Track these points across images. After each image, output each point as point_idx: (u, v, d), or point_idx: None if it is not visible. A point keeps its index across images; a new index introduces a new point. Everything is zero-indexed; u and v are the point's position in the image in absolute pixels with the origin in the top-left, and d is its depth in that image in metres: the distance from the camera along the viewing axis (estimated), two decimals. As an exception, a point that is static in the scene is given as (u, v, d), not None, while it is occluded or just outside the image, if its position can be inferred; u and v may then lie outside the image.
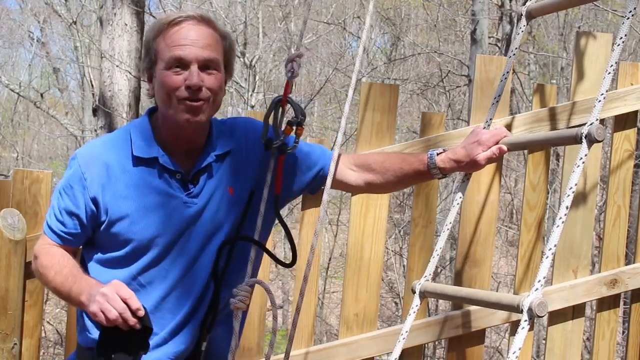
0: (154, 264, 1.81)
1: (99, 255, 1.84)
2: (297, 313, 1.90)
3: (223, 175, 1.85)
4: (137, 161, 1.79)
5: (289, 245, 1.90)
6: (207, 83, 1.74)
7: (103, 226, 1.80)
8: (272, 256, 1.99)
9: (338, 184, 2.02)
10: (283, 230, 2.00)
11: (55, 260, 1.82)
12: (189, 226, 1.81)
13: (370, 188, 2.04)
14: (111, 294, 1.63)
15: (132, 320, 1.63)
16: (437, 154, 1.97)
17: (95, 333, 1.82)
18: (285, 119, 1.87)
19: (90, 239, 1.86)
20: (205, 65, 1.74)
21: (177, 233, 1.80)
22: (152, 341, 1.79)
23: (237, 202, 1.86)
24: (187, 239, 1.81)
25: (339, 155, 1.96)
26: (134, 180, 1.79)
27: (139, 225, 1.78)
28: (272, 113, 1.85)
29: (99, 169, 1.79)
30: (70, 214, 1.81)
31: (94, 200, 1.79)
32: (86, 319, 1.86)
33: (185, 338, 1.84)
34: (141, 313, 1.65)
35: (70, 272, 1.79)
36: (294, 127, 1.83)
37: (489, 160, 2.01)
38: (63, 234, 1.84)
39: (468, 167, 2.01)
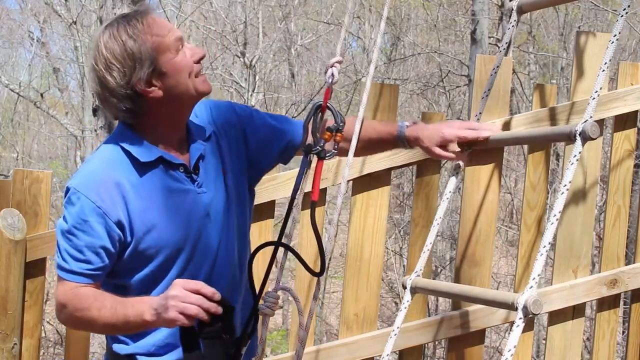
0: (186, 266, 1.79)
1: (122, 282, 1.79)
2: (309, 318, 1.89)
3: (213, 159, 1.87)
4: (142, 169, 1.75)
5: (319, 253, 1.86)
6: None
7: (130, 248, 1.74)
8: (303, 263, 1.91)
9: None
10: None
11: (92, 299, 1.72)
12: (208, 216, 1.81)
13: (339, 153, 2.01)
14: (181, 292, 1.60)
15: (213, 307, 1.59)
16: (407, 126, 2.04)
17: (139, 339, 1.81)
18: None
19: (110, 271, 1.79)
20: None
21: (200, 226, 1.80)
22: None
23: (234, 182, 1.88)
24: (208, 230, 1.81)
25: (325, 120, 1.91)
26: (146, 190, 1.75)
27: (168, 231, 1.75)
28: (312, 119, 1.84)
29: (110, 192, 1.72)
30: (93, 248, 1.72)
31: (119, 224, 1.72)
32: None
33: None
34: (217, 297, 1.60)
35: (114, 301, 1.71)
36: (334, 133, 1.83)
37: (443, 157, 2.09)
38: (91, 272, 1.74)
39: (425, 150, 2.07)
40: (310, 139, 1.84)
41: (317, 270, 1.83)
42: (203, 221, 1.80)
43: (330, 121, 1.88)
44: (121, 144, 1.77)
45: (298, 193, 1.80)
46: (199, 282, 1.62)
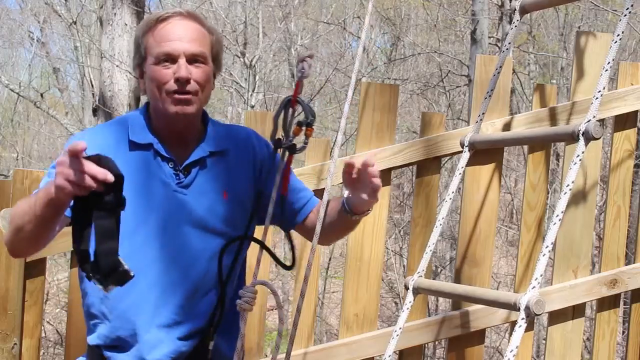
0: (139, 250, 1.78)
1: None
2: (297, 313, 1.90)
3: (217, 175, 1.86)
4: (133, 146, 1.82)
5: (289, 246, 1.90)
6: (195, 76, 1.79)
7: None
8: (274, 257, 1.99)
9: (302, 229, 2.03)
10: (283, 231, 1.99)
11: (22, 202, 1.70)
12: (177, 215, 1.81)
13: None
14: (65, 158, 1.47)
15: (102, 173, 1.44)
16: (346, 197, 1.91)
17: (98, 329, 1.81)
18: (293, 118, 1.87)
19: None
20: (193, 59, 1.79)
21: (165, 220, 1.80)
22: (147, 338, 1.78)
23: (231, 206, 1.86)
24: (176, 229, 1.81)
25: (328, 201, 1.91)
26: (127, 163, 1.77)
27: (128, 208, 1.70)
28: (282, 113, 1.85)
29: (96, 147, 1.72)
30: None
31: None
32: (91, 313, 1.84)
33: (182, 334, 1.83)
34: (99, 163, 1.46)
35: (33, 196, 1.66)
36: (304, 128, 1.84)
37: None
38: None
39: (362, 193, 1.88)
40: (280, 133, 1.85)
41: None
42: (172, 217, 1.80)
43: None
44: (128, 120, 1.87)
45: (274, 189, 1.82)
46: (81, 143, 1.46)
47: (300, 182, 2.07)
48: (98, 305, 1.82)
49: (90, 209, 1.50)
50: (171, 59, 1.77)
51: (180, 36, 1.79)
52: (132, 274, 1.53)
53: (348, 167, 1.78)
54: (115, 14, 5.48)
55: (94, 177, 1.44)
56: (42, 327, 3.49)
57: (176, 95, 1.77)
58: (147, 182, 1.80)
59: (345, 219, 1.89)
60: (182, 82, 1.76)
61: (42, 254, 2.71)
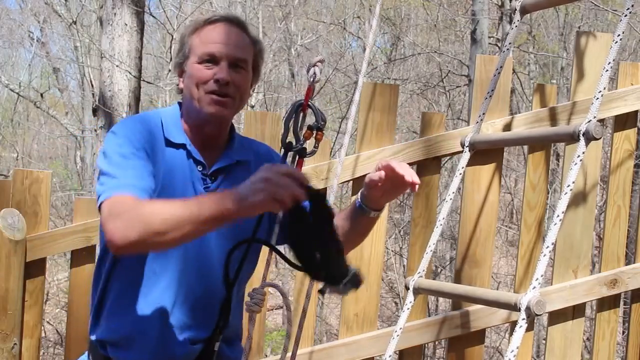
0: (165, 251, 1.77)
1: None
2: (303, 314, 1.90)
3: (240, 183, 1.85)
4: (168, 143, 1.83)
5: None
6: (235, 80, 1.80)
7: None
8: (285, 258, 1.94)
9: None
10: None
11: (159, 204, 1.60)
12: None
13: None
14: (275, 176, 1.48)
15: (301, 194, 1.47)
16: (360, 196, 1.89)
17: (106, 324, 1.80)
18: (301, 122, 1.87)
19: None
20: (235, 64, 1.80)
21: None
22: (156, 337, 1.78)
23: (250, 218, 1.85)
24: None
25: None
26: (167, 160, 1.80)
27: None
28: (293, 117, 1.86)
29: (146, 132, 1.78)
30: (149, 171, 1.72)
31: (149, 156, 1.75)
32: (102, 307, 1.83)
33: (192, 337, 1.83)
34: (307, 182, 1.50)
35: (183, 201, 1.59)
36: (314, 132, 1.84)
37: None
38: (150, 191, 1.68)
39: (383, 183, 1.84)
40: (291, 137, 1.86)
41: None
42: None
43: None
44: (162, 116, 1.86)
45: None
46: (289, 166, 1.56)
47: None
48: (113, 301, 1.82)
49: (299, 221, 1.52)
50: (214, 60, 1.79)
51: (225, 40, 1.80)
52: (362, 277, 1.57)
53: (389, 171, 1.74)
54: (115, 14, 5.47)
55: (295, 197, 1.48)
56: (42, 327, 3.50)
57: (214, 96, 1.79)
58: (179, 181, 1.81)
59: (363, 219, 1.87)
60: (221, 83, 1.77)
61: (42, 254, 2.72)
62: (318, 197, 1.52)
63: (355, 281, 1.56)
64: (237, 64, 1.80)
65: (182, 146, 1.83)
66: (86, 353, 1.92)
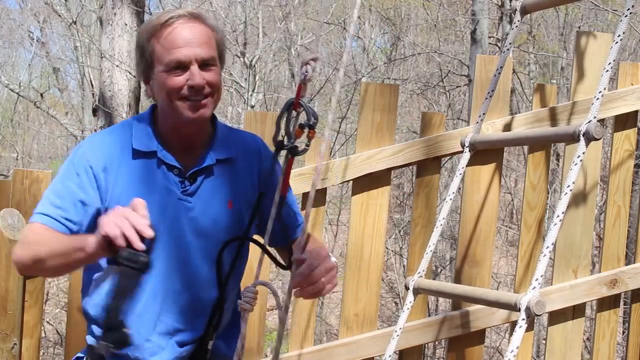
0: None
1: None
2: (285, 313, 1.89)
3: (223, 184, 1.85)
4: (136, 154, 1.80)
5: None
6: (209, 79, 1.77)
7: (101, 213, 1.75)
8: (272, 257, 1.98)
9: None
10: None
11: (52, 235, 1.72)
12: (181, 224, 1.80)
13: None
14: (124, 212, 1.52)
15: (143, 231, 1.49)
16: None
17: (97, 332, 1.81)
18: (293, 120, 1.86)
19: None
20: (204, 63, 1.76)
21: (169, 228, 1.79)
22: (147, 345, 1.79)
23: (235, 216, 1.85)
24: (179, 238, 1.80)
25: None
26: (131, 172, 1.79)
27: None
28: (285, 115, 1.84)
29: (100, 155, 1.79)
30: (73, 199, 1.76)
31: (98, 185, 1.77)
32: (91, 315, 1.84)
33: (183, 340, 1.83)
34: (149, 229, 1.51)
35: (66, 236, 1.71)
36: (306, 130, 1.83)
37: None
38: (63, 220, 1.75)
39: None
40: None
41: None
42: (176, 226, 1.80)
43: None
44: (134, 125, 1.84)
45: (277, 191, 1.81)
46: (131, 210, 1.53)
47: (296, 205, 2.04)
48: (99, 309, 1.81)
49: (119, 264, 1.52)
50: (182, 66, 1.74)
51: (188, 41, 1.75)
52: (131, 342, 1.54)
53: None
54: (115, 14, 5.47)
55: (139, 232, 1.49)
56: (42, 327, 3.49)
57: (192, 101, 1.75)
58: (150, 190, 1.79)
59: None
60: (197, 89, 1.74)
61: (42, 254, 2.72)
62: (150, 247, 1.52)
63: (119, 340, 1.54)
64: (207, 62, 1.76)
65: (153, 154, 1.80)
66: (85, 350, 1.92)
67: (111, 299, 1.52)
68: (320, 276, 1.63)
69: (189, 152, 1.83)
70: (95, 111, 6.11)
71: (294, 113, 1.82)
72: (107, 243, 1.51)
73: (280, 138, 1.83)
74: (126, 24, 5.46)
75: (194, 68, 1.74)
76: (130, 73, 5.44)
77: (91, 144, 1.83)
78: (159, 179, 1.80)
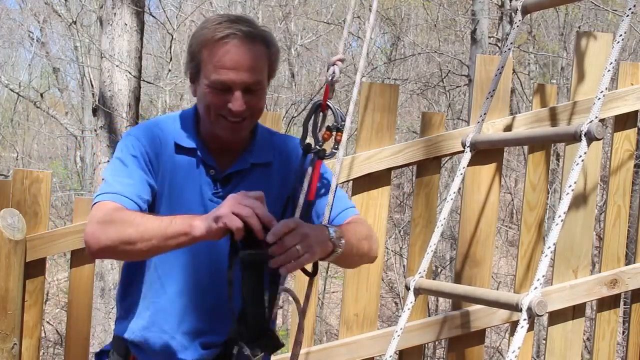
0: (170, 256, 1.75)
1: None
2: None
3: (256, 187, 1.78)
4: (179, 149, 1.80)
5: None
6: (250, 103, 1.74)
7: (157, 198, 1.76)
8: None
9: None
10: None
11: (135, 215, 1.64)
12: None
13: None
14: (245, 200, 1.50)
15: (259, 226, 1.48)
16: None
17: (130, 323, 1.81)
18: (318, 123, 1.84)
19: None
20: (249, 88, 1.73)
21: None
22: (172, 343, 1.79)
23: None
24: None
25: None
26: (171, 166, 1.79)
27: (165, 208, 1.76)
28: (312, 118, 1.82)
29: (152, 144, 1.78)
30: (143, 180, 1.74)
31: (153, 170, 1.77)
32: (127, 305, 1.84)
33: (207, 342, 1.81)
34: (273, 223, 1.50)
35: (158, 218, 1.61)
36: (334, 133, 1.81)
37: None
38: (136, 199, 1.69)
39: None
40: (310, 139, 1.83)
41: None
42: None
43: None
44: (179, 119, 1.84)
45: (301, 193, 1.79)
46: (256, 200, 1.52)
47: (345, 200, 1.90)
48: (136, 300, 1.82)
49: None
50: (227, 87, 1.71)
51: (237, 65, 1.70)
52: (282, 343, 1.55)
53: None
54: (115, 14, 5.47)
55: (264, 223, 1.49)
56: (42, 327, 3.49)
57: (228, 121, 1.73)
58: (186, 187, 1.79)
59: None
60: (235, 114, 1.72)
61: (42, 254, 2.72)
62: (256, 255, 1.52)
63: (268, 346, 1.56)
64: (252, 87, 1.73)
65: (193, 151, 1.80)
66: (110, 343, 1.92)
67: (249, 306, 1.52)
68: (292, 242, 1.53)
69: (226, 154, 1.82)
70: (95, 111, 6.10)
71: (321, 115, 1.80)
72: (225, 232, 1.50)
73: (307, 141, 1.81)
74: (126, 24, 5.46)
75: (237, 94, 1.71)
76: (130, 73, 5.44)
77: (142, 132, 1.80)
78: (196, 177, 1.80)
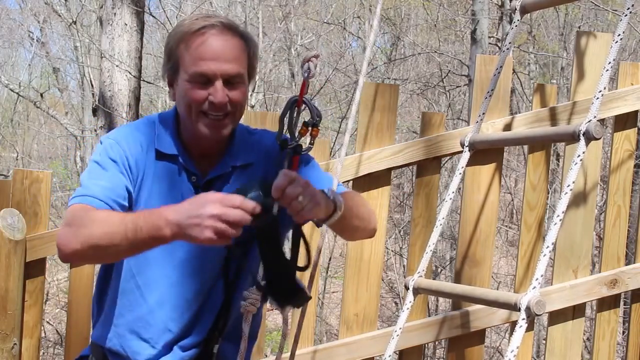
0: (151, 264, 1.75)
1: None
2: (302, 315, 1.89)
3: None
4: (159, 155, 1.76)
5: (305, 247, 1.84)
6: (232, 97, 1.71)
7: (132, 204, 1.72)
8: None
9: None
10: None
11: (104, 213, 1.60)
12: None
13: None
14: (221, 210, 1.44)
15: (251, 206, 1.45)
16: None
17: (104, 331, 1.80)
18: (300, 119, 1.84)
19: None
20: (230, 80, 1.70)
21: None
22: (154, 351, 1.78)
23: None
24: (188, 245, 1.74)
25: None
26: (152, 170, 1.75)
27: None
28: (288, 113, 1.82)
29: (132, 149, 1.74)
30: (120, 183, 1.69)
31: (131, 177, 1.73)
32: (102, 313, 1.82)
33: (187, 345, 1.81)
34: (257, 210, 1.47)
35: (123, 214, 1.59)
36: (310, 128, 1.80)
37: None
38: (112, 203, 1.65)
39: None
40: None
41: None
42: None
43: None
44: (157, 124, 1.79)
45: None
46: (238, 197, 1.47)
47: (326, 178, 1.89)
48: (112, 308, 1.80)
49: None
50: (207, 80, 1.68)
51: (217, 55, 1.67)
52: (308, 296, 1.58)
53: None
54: (115, 14, 5.47)
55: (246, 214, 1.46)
56: (42, 327, 3.50)
57: (210, 118, 1.70)
58: (168, 194, 1.75)
59: (329, 224, 1.75)
60: (217, 106, 1.68)
61: (42, 254, 2.72)
62: (265, 224, 1.52)
63: (299, 299, 1.59)
64: (232, 80, 1.70)
65: (174, 157, 1.76)
66: (88, 347, 1.92)
67: (274, 274, 1.55)
68: (295, 192, 1.50)
69: (206, 159, 1.79)
70: (95, 111, 6.11)
71: (297, 111, 1.80)
72: (217, 241, 1.46)
73: (283, 137, 1.81)
74: (126, 24, 5.46)
75: (218, 84, 1.68)
76: (130, 73, 5.44)
77: (123, 137, 1.76)
78: (177, 183, 1.76)
